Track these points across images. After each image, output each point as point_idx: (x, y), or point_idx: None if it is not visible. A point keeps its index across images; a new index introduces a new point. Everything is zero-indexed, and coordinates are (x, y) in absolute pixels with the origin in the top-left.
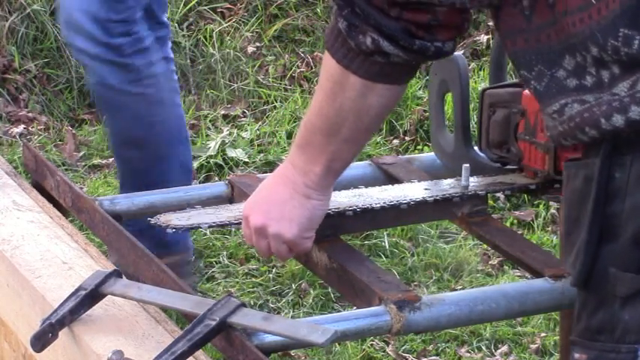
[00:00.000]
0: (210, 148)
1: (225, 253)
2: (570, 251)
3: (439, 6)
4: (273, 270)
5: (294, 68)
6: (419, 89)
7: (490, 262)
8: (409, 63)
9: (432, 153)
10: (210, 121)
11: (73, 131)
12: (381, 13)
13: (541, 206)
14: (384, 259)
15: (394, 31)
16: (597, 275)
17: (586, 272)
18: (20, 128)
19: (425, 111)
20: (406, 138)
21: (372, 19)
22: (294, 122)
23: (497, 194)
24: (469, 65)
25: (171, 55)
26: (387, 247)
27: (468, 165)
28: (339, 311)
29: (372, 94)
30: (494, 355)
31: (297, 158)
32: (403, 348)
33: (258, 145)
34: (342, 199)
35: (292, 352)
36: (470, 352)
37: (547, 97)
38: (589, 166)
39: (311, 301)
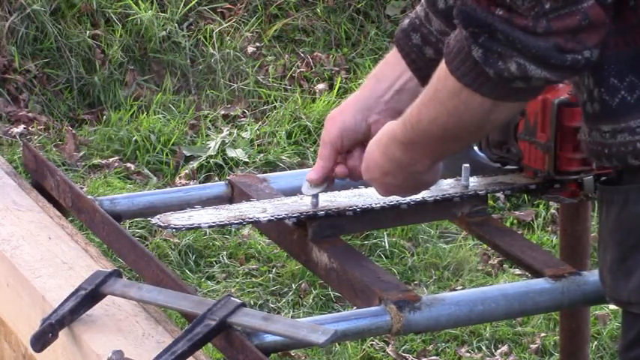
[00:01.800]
0: (210, 148)
1: (225, 253)
2: (627, 277)
3: (585, 1)
4: (273, 270)
5: (294, 68)
6: None
7: (490, 262)
8: (550, 83)
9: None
10: (210, 121)
11: (73, 131)
12: (527, 33)
13: (541, 206)
14: (384, 259)
15: (545, 52)
16: None
17: None
18: (20, 128)
19: None
20: None
21: (518, 42)
22: (294, 122)
23: (497, 194)
24: None
25: None
26: (387, 247)
27: (467, 165)
28: (339, 311)
29: (499, 111)
30: (494, 355)
31: (401, 154)
32: (403, 348)
33: (258, 145)
34: (342, 199)
35: (292, 352)
36: (470, 352)
37: (637, 110)
38: None
39: (311, 301)
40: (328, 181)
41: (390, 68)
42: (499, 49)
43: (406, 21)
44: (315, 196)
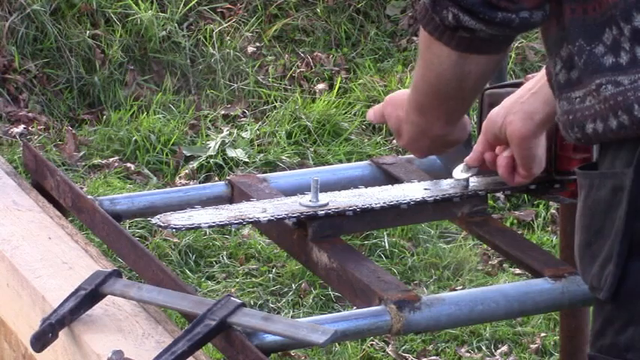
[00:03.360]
0: (210, 148)
1: (225, 253)
2: (591, 262)
3: None
4: (273, 270)
5: (294, 68)
6: None
7: (490, 262)
8: (496, 37)
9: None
10: (210, 121)
11: (73, 131)
12: None
13: (541, 206)
14: (384, 259)
15: (473, 5)
16: (627, 291)
17: (616, 287)
18: (20, 128)
19: None
20: None
21: None
22: (294, 122)
23: (497, 194)
24: None
25: None
26: (387, 247)
27: None
28: (339, 311)
29: (468, 64)
30: (494, 355)
31: (418, 118)
32: (403, 348)
33: (258, 145)
34: (342, 199)
35: (292, 352)
36: (470, 352)
37: (586, 75)
38: (618, 176)
39: (311, 301)
40: (478, 167)
41: (540, 72)
42: None
43: None
44: (467, 179)
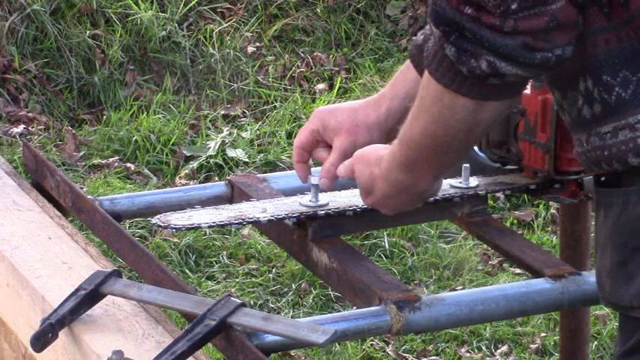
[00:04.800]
0: (210, 148)
1: (225, 253)
2: (627, 282)
3: (554, 3)
4: (273, 270)
5: (294, 68)
6: None
7: (490, 262)
8: (526, 79)
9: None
10: (210, 121)
11: (73, 131)
12: (494, 32)
13: (541, 206)
14: (384, 259)
15: (512, 50)
16: None
17: None
18: (20, 128)
19: None
20: None
21: (485, 40)
22: (294, 122)
23: (497, 194)
24: None
25: None
26: (387, 247)
27: (468, 165)
28: (339, 311)
29: (483, 112)
30: (494, 355)
31: (403, 177)
32: (403, 348)
33: (258, 145)
34: (342, 199)
35: (292, 352)
36: (470, 352)
37: (633, 106)
38: None
39: (311, 301)
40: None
41: (400, 83)
42: (469, 48)
43: (420, 37)
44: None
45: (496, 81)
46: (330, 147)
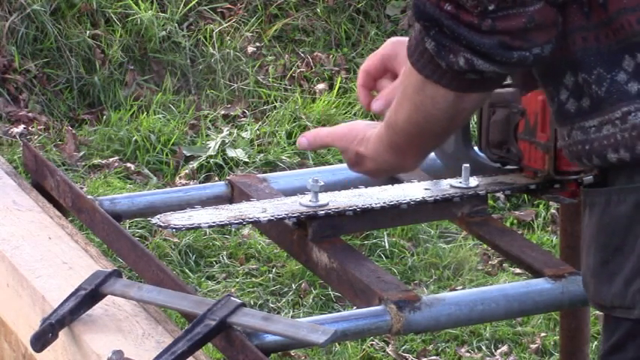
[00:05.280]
0: (210, 148)
1: (225, 253)
2: (609, 281)
3: (532, 4)
4: (273, 270)
5: (294, 68)
6: None
7: (490, 262)
8: (504, 75)
9: (432, 153)
10: (210, 121)
11: (73, 131)
12: (472, 30)
13: (541, 206)
14: (384, 259)
15: (489, 49)
16: None
17: None
18: (20, 128)
19: None
20: None
21: (462, 38)
22: (294, 122)
23: (497, 194)
24: None
25: None
26: (387, 247)
27: (468, 165)
28: (339, 311)
29: (464, 102)
30: (494, 355)
31: (390, 157)
32: (403, 348)
33: (258, 145)
34: (342, 199)
35: (292, 352)
36: (470, 352)
37: (609, 103)
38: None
39: (311, 301)
40: None
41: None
42: (448, 44)
43: None
44: None
45: (474, 76)
46: (394, 79)
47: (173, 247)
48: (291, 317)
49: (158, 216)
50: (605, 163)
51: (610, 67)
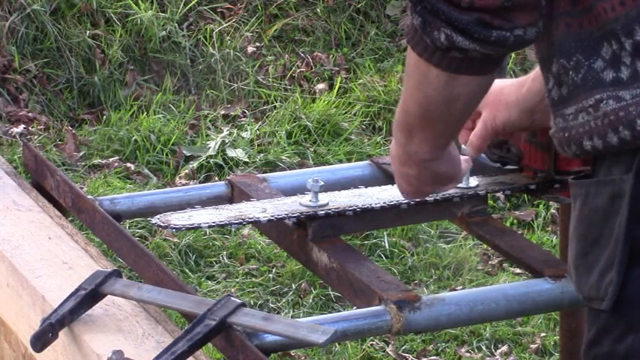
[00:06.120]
0: (210, 148)
1: (225, 253)
2: (587, 273)
3: None
4: (273, 270)
5: (294, 68)
6: None
7: (490, 262)
8: (489, 56)
9: None
10: (210, 121)
11: (73, 131)
12: (450, 5)
13: (541, 206)
14: (384, 259)
15: (467, 25)
16: (628, 299)
17: (617, 295)
18: (20, 128)
19: None
20: None
21: (442, 14)
22: (294, 122)
23: (497, 194)
24: None
25: None
26: (387, 247)
27: None
28: (339, 311)
29: (456, 86)
30: (494, 355)
31: (404, 139)
32: (403, 348)
33: (258, 145)
34: (342, 199)
35: (292, 352)
36: (470, 352)
37: (583, 90)
38: (616, 183)
39: (311, 301)
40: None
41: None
42: (430, 19)
43: None
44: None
45: (458, 54)
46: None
47: (173, 247)
48: (291, 317)
49: (158, 216)
50: (582, 151)
51: (589, 54)
